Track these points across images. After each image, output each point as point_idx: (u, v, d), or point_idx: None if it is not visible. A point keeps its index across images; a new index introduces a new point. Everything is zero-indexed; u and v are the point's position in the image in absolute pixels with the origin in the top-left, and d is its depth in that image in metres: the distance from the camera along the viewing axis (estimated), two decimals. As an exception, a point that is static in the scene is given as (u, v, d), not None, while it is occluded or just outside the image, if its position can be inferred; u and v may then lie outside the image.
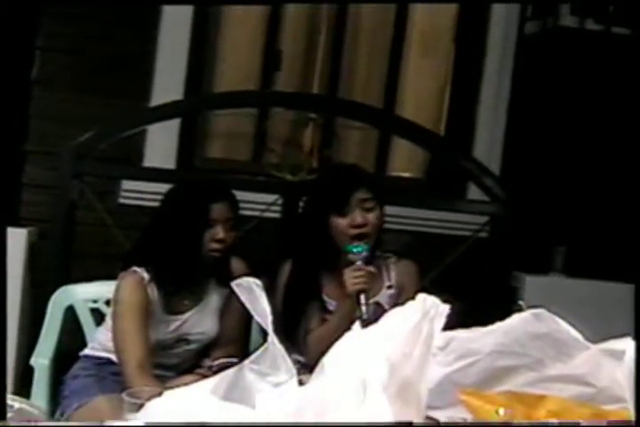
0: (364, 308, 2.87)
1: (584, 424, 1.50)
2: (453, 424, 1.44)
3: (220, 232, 2.89)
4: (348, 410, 1.32)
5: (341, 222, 2.99)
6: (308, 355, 2.91)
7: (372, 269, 2.96)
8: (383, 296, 3.11)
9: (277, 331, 2.60)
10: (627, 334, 1.59)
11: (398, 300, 3.06)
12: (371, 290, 3.00)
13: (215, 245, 2.90)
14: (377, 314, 3.02)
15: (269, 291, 2.93)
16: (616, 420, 1.52)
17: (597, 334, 1.69)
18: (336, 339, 2.81)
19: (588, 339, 1.66)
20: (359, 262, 2.93)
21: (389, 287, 3.12)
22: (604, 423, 1.53)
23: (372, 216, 3.01)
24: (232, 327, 3.08)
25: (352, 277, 2.91)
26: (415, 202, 4.35)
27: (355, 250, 2.94)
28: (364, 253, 2.95)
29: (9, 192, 4.04)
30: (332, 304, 3.08)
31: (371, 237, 3.01)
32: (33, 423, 1.60)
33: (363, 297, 2.88)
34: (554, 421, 1.55)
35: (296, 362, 2.98)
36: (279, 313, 2.99)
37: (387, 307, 3.06)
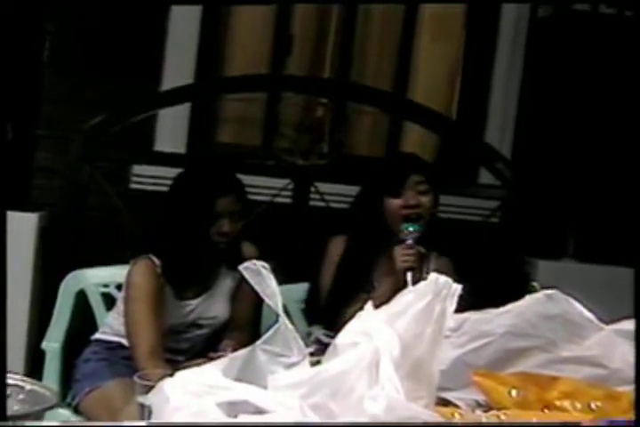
0: (410, 286, 2.88)
1: (585, 424, 1.50)
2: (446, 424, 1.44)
3: (224, 225, 2.89)
4: (361, 390, 1.32)
5: (395, 203, 3.05)
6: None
7: (421, 249, 3.00)
8: None
9: (320, 309, 2.62)
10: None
11: None
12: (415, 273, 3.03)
13: (220, 239, 2.90)
14: None
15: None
16: (617, 419, 1.52)
17: (610, 319, 1.68)
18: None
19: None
20: (410, 241, 2.98)
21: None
22: (604, 423, 1.52)
23: (425, 199, 3.07)
24: (244, 311, 3.09)
25: (402, 255, 2.96)
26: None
27: (409, 228, 2.99)
28: (417, 233, 3.00)
29: (20, 177, 4.04)
30: (376, 282, 3.12)
31: (424, 219, 3.05)
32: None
33: (409, 275, 2.92)
34: (555, 421, 1.54)
35: (317, 342, 3.00)
36: (327, 290, 3.08)
37: None
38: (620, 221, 4.59)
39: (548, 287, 1.70)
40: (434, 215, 3.14)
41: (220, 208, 2.88)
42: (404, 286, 2.89)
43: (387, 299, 2.93)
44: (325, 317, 3.09)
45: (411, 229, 2.99)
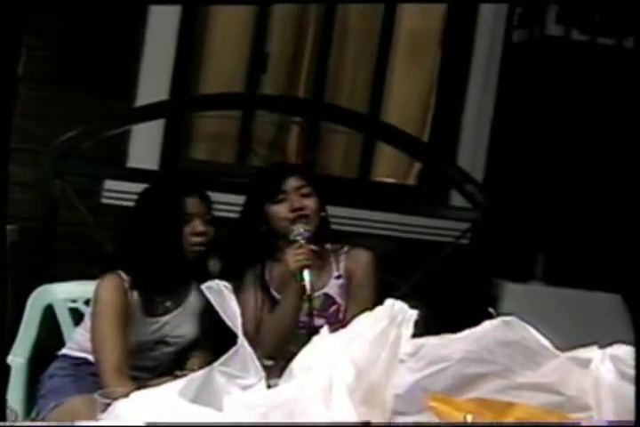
0: (307, 284, 2.86)
1: (585, 424, 1.51)
2: (415, 424, 1.45)
3: (198, 225, 2.90)
4: (315, 414, 1.33)
5: (280, 209, 2.99)
6: (264, 348, 2.78)
7: (313, 247, 2.93)
8: (332, 287, 3.09)
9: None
10: (595, 342, 1.60)
11: (348, 288, 3.07)
12: (319, 281, 3.01)
13: (196, 239, 2.90)
14: (327, 305, 3.03)
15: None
16: (615, 420, 1.53)
17: (576, 342, 1.69)
18: (288, 326, 2.79)
19: (566, 347, 1.66)
20: (302, 241, 2.92)
21: (338, 277, 3.10)
22: (604, 423, 1.53)
23: (309, 201, 3.01)
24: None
25: (293, 255, 2.89)
26: (398, 208, 4.36)
27: (296, 231, 2.94)
28: (306, 233, 2.94)
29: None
30: (280, 295, 3.05)
31: (311, 220, 3.00)
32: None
33: (306, 273, 2.86)
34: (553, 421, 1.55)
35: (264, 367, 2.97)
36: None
37: (337, 298, 3.06)
38: (590, 244, 4.62)
39: (515, 311, 1.71)
40: (323, 217, 3.07)
41: (191, 209, 2.90)
42: (302, 287, 2.86)
43: (294, 310, 2.94)
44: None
45: (301, 229, 2.93)
